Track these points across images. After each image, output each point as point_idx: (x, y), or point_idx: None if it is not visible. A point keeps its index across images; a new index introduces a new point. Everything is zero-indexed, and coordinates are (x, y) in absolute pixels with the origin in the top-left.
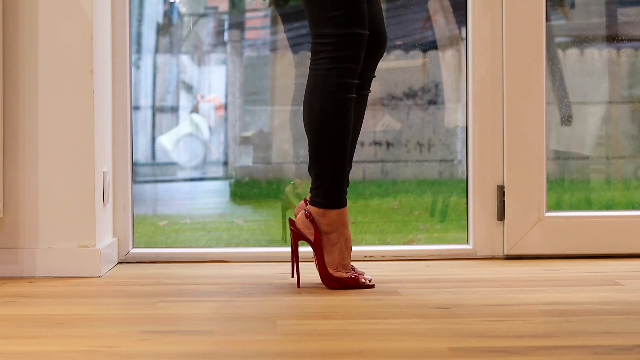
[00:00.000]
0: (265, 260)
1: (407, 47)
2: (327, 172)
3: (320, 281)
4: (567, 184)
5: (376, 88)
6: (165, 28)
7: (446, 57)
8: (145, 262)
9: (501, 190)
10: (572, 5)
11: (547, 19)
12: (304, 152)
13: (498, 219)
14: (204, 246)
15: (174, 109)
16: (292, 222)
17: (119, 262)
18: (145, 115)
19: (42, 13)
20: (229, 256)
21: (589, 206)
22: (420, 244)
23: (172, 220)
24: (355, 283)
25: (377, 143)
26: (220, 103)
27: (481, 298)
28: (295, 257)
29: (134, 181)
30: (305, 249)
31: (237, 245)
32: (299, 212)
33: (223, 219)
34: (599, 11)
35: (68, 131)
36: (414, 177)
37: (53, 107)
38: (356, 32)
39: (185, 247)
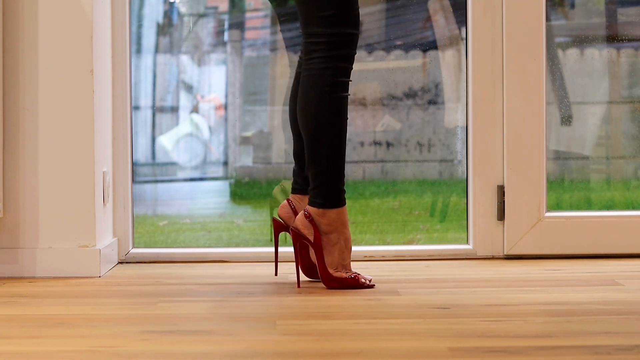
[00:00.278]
0: (265, 260)
1: (407, 47)
2: (325, 171)
3: (320, 281)
4: (567, 184)
5: (376, 88)
6: (165, 28)
7: (446, 57)
8: (145, 262)
9: (501, 190)
10: (572, 5)
11: (547, 19)
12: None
13: (498, 219)
14: (204, 246)
15: (174, 109)
16: (275, 222)
17: (119, 262)
18: (145, 115)
19: (42, 13)
20: (229, 256)
21: (589, 206)
22: (420, 244)
23: (172, 220)
24: (355, 283)
25: (377, 143)
26: (220, 103)
27: (481, 298)
28: (296, 258)
29: (134, 181)
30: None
31: (237, 245)
32: (283, 212)
33: (223, 219)
34: (599, 11)
35: (68, 131)
36: (414, 177)
37: (53, 107)
38: (349, 32)
39: (185, 247)
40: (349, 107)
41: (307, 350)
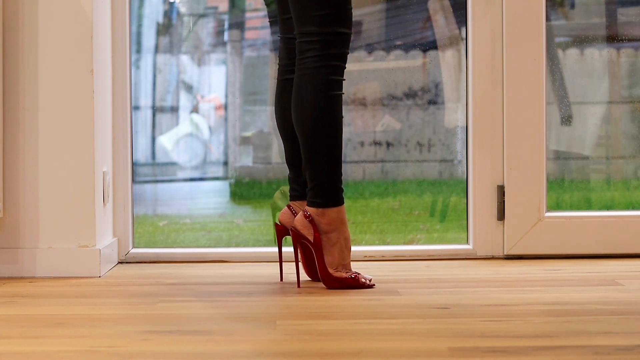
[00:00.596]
0: (265, 260)
1: (407, 47)
2: (322, 171)
3: (320, 281)
4: (567, 184)
5: (376, 88)
6: (165, 28)
7: (446, 57)
8: (145, 262)
9: (501, 190)
10: (572, 5)
11: (547, 19)
12: None
13: (498, 219)
14: (204, 246)
15: (174, 109)
16: (278, 227)
17: (119, 262)
18: (145, 115)
19: (42, 13)
20: (229, 256)
21: (589, 206)
22: (420, 244)
23: (172, 220)
24: (355, 283)
25: (377, 143)
26: (220, 103)
27: (481, 298)
28: (296, 259)
29: (134, 181)
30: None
31: (237, 245)
32: (285, 218)
33: (223, 219)
34: (599, 11)
35: (68, 131)
36: (414, 177)
37: (53, 107)
38: (343, 32)
39: (185, 247)
40: (349, 107)
41: (307, 350)
